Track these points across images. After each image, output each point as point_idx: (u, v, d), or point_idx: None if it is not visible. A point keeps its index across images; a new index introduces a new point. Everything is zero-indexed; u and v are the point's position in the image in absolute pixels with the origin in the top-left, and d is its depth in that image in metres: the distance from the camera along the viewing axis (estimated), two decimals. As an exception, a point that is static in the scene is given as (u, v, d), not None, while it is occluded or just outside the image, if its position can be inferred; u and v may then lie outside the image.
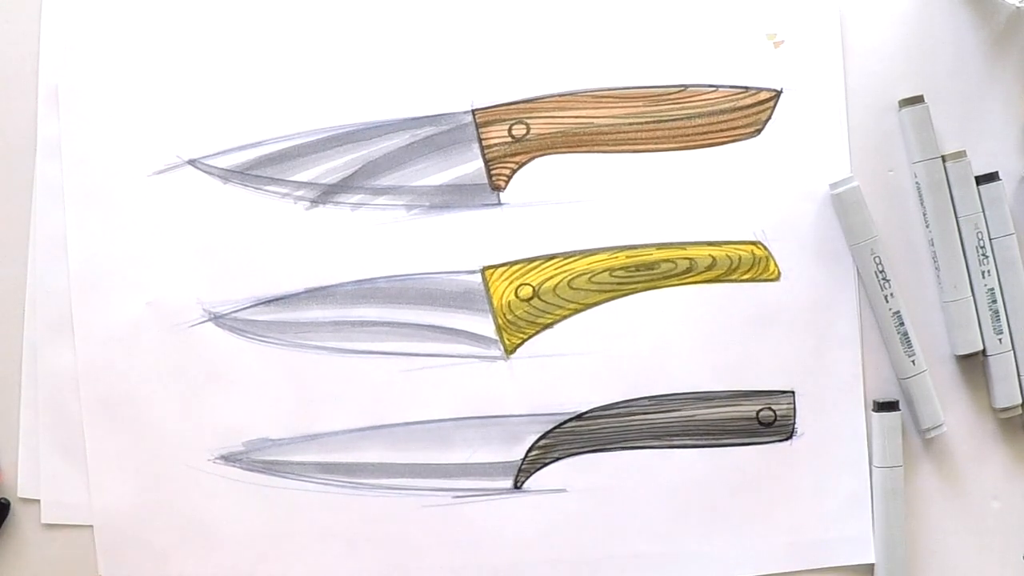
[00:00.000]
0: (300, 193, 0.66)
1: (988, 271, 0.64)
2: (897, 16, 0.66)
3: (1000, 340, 0.64)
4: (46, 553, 0.65)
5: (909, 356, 0.64)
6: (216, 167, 0.66)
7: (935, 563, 0.65)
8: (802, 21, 0.65)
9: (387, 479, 0.65)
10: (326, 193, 0.66)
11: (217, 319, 0.65)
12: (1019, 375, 0.64)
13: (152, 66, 0.66)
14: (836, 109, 0.65)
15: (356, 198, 0.66)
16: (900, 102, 0.65)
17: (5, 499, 0.66)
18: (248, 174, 0.66)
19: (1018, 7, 0.65)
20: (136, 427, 0.65)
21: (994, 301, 0.64)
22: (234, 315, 0.65)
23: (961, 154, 0.64)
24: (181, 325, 0.66)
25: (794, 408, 0.64)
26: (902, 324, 0.64)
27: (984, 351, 0.64)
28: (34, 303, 0.66)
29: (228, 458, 0.65)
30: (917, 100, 0.64)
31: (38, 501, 0.66)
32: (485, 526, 0.65)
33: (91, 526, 0.66)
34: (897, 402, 0.64)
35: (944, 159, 0.64)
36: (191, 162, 0.66)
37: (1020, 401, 0.64)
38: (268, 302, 0.65)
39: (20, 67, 0.67)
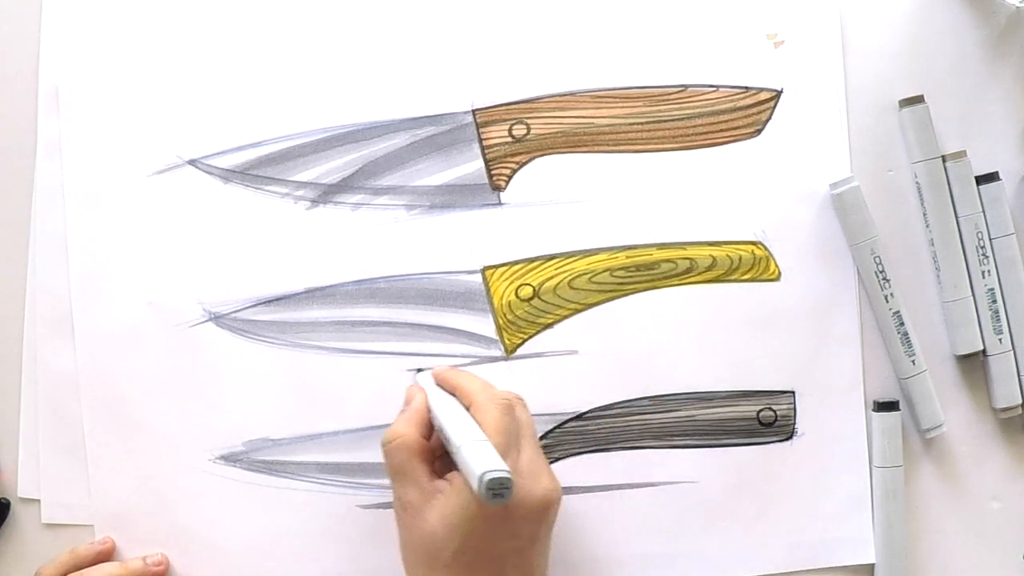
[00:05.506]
0: (300, 193, 0.66)
1: (988, 271, 0.64)
2: (897, 16, 0.66)
3: (1000, 340, 0.64)
4: (46, 553, 0.65)
5: (909, 356, 0.64)
6: (216, 167, 0.66)
7: (935, 563, 0.65)
8: (802, 21, 0.65)
9: (387, 479, 0.65)
10: (326, 193, 0.66)
11: (217, 319, 0.65)
12: (1019, 375, 0.64)
13: (152, 66, 0.66)
14: (836, 109, 0.65)
15: (356, 198, 0.65)
16: (900, 102, 0.65)
17: (5, 499, 0.66)
18: (248, 174, 0.66)
19: (1018, 7, 0.65)
20: (136, 427, 0.65)
21: (994, 301, 0.64)
22: (234, 315, 0.65)
23: (961, 154, 0.64)
24: (181, 325, 0.66)
25: (794, 408, 0.64)
26: (902, 324, 0.64)
27: (984, 351, 0.64)
28: (34, 303, 0.66)
29: (228, 458, 0.65)
30: (917, 100, 0.64)
31: (38, 501, 0.66)
32: (485, 526, 0.65)
33: (91, 526, 0.66)
34: (897, 402, 0.64)
35: (944, 159, 0.64)
36: (191, 162, 0.66)
37: (1020, 401, 0.64)
38: (268, 302, 0.65)
39: (20, 67, 0.67)
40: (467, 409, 0.57)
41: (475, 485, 0.50)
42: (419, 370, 0.64)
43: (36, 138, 0.67)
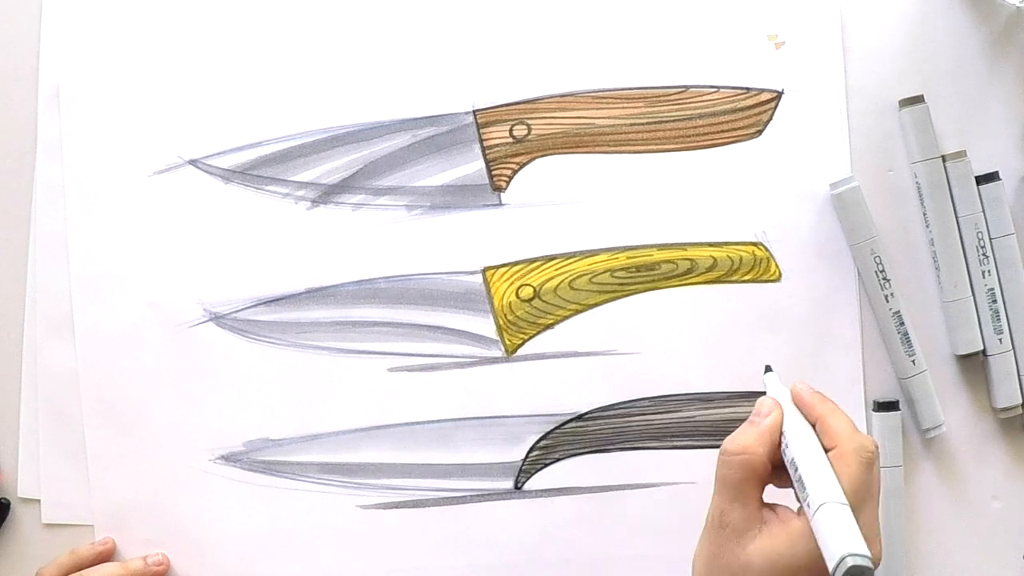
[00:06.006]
0: (301, 193, 0.66)
1: (988, 271, 0.64)
2: (897, 16, 0.66)
3: (1000, 340, 0.64)
4: (46, 553, 0.65)
5: (909, 356, 0.64)
6: (217, 167, 0.66)
7: (935, 563, 0.65)
8: (803, 22, 0.65)
9: (387, 479, 0.65)
10: (327, 193, 0.66)
11: (218, 319, 0.65)
12: (1019, 375, 0.64)
13: (152, 66, 0.66)
14: (836, 109, 0.65)
15: (357, 198, 0.65)
16: (900, 102, 0.65)
17: (5, 499, 0.66)
18: (249, 174, 0.66)
19: (1018, 7, 0.65)
20: (136, 427, 0.65)
21: (994, 301, 0.64)
22: (235, 315, 0.65)
23: (961, 154, 0.64)
24: (182, 325, 0.66)
25: (795, 409, 0.64)
26: (902, 324, 0.64)
27: (984, 351, 0.65)
28: (34, 303, 0.66)
29: (228, 458, 0.65)
30: (917, 100, 0.64)
31: (38, 501, 0.66)
32: (485, 526, 0.65)
33: (91, 526, 0.66)
34: (897, 402, 0.64)
35: (944, 159, 0.64)
36: (192, 162, 0.66)
37: (1020, 401, 0.64)
38: (269, 302, 0.65)
39: (20, 67, 0.67)
40: (826, 450, 0.52)
41: (831, 563, 0.47)
42: (767, 368, 0.58)
43: (36, 138, 0.67)
